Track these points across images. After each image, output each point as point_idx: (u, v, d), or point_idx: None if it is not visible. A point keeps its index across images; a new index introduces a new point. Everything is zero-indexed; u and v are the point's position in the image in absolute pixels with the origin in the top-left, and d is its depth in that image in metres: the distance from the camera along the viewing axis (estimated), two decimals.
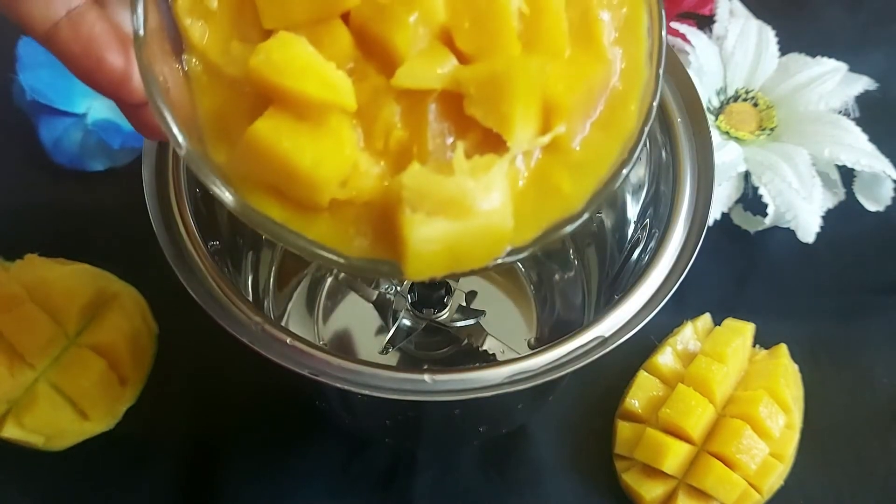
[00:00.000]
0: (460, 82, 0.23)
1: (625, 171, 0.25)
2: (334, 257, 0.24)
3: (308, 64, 0.22)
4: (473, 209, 0.22)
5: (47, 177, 0.51)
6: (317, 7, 0.23)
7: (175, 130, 0.23)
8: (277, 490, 0.43)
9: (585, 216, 0.25)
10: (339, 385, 0.29)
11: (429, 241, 0.22)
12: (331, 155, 0.22)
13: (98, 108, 0.49)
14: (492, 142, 0.23)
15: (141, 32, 0.23)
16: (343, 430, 0.45)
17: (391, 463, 0.44)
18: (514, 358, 0.29)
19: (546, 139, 0.23)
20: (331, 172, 0.23)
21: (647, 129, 0.25)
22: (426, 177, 0.22)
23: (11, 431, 0.42)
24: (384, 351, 0.43)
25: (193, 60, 0.24)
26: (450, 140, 0.24)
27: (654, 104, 0.25)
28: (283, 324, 0.39)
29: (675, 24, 0.53)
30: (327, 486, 0.43)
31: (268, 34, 0.23)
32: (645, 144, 0.25)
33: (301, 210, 0.23)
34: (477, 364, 0.29)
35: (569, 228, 0.24)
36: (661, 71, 0.25)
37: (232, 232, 0.39)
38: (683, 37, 0.52)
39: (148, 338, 0.46)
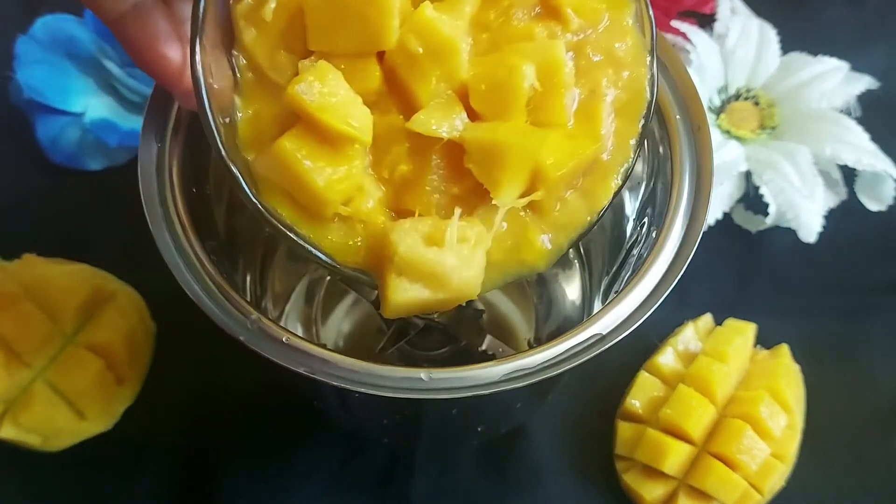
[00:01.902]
0: (465, 140, 0.26)
1: (588, 234, 0.29)
2: (328, 261, 0.27)
3: (341, 101, 0.25)
4: (450, 283, 0.26)
5: (44, 175, 0.51)
6: (358, 43, 0.26)
7: (216, 133, 0.26)
8: (275, 490, 0.43)
9: (545, 268, 0.28)
10: (335, 383, 0.28)
11: (406, 302, 0.26)
12: (342, 179, 0.26)
13: (95, 107, 0.49)
14: (480, 190, 0.27)
15: (196, 41, 0.25)
16: (341, 430, 0.44)
17: (389, 463, 0.44)
18: (512, 355, 0.29)
19: (524, 201, 0.27)
20: (339, 194, 0.26)
21: (613, 199, 0.29)
22: (417, 251, 0.25)
23: (8, 431, 0.41)
24: (382, 350, 0.43)
25: (241, 58, 0.27)
26: (445, 183, 0.27)
27: (630, 174, 0.29)
28: (281, 324, 0.39)
29: (675, 23, 0.53)
30: (325, 486, 0.43)
31: (310, 52, 0.26)
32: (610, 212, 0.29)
33: (308, 215, 0.27)
34: (474, 362, 0.29)
35: (529, 277, 0.28)
36: (638, 153, 0.29)
37: (229, 231, 0.38)
38: (684, 35, 0.52)
39: (145, 337, 0.46)
